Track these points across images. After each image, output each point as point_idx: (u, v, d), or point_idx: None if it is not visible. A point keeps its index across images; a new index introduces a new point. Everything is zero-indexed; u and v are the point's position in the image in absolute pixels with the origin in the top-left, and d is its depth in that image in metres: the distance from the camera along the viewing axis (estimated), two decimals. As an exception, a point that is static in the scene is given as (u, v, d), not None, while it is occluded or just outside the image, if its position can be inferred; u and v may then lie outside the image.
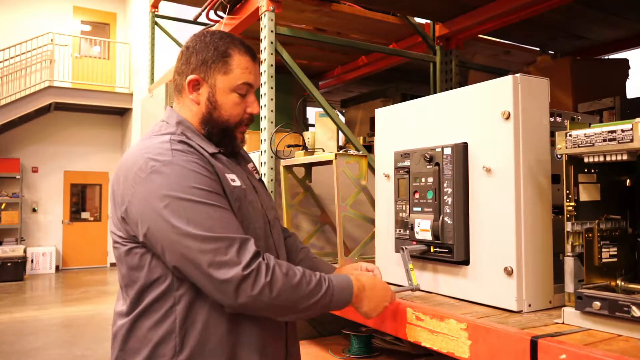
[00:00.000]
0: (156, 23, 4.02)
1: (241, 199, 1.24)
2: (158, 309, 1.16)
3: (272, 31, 2.16)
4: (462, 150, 1.34)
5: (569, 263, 1.08)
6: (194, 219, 1.09)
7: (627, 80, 2.88)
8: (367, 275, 1.31)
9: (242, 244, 1.10)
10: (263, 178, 2.14)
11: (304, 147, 2.13)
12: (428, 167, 1.41)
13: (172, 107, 1.35)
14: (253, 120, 1.35)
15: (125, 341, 1.18)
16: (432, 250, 1.40)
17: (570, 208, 1.09)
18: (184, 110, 1.30)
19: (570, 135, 1.07)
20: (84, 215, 12.25)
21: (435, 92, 2.74)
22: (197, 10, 2.81)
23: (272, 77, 2.15)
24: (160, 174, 1.12)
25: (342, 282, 1.23)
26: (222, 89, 1.27)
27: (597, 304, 1.01)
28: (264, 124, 2.16)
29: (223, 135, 1.29)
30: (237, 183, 1.26)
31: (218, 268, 1.06)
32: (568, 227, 1.09)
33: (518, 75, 1.24)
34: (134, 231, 1.15)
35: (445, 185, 1.37)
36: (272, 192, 2.15)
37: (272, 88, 2.15)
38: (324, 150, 2.53)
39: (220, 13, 2.52)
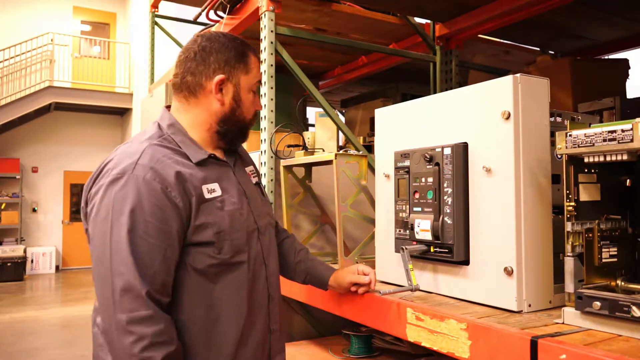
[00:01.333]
0: (156, 23, 4.01)
1: (214, 211, 1.22)
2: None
3: (272, 31, 2.16)
4: (462, 150, 1.34)
5: (569, 263, 1.08)
6: (120, 261, 1.10)
7: (627, 80, 2.88)
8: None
9: (146, 318, 1.08)
10: (263, 178, 2.13)
11: (304, 147, 2.13)
12: (428, 167, 1.41)
13: (167, 107, 1.35)
14: (257, 116, 1.40)
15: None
16: (432, 250, 1.40)
17: (570, 208, 1.09)
18: (198, 110, 1.29)
19: (570, 135, 1.07)
20: (84, 215, 12.24)
21: (435, 92, 2.74)
22: (197, 10, 2.81)
23: (272, 77, 2.15)
24: (110, 189, 1.14)
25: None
26: (244, 88, 1.31)
27: (597, 304, 1.01)
28: (264, 124, 2.16)
29: (240, 133, 1.33)
30: (216, 194, 1.24)
31: (116, 333, 1.08)
32: (568, 227, 1.09)
33: (518, 75, 1.24)
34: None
35: (445, 185, 1.37)
36: (271, 192, 2.15)
37: (272, 88, 2.15)
38: (324, 150, 2.53)
39: (220, 13, 2.52)
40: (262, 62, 2.18)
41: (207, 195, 1.22)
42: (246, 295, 1.26)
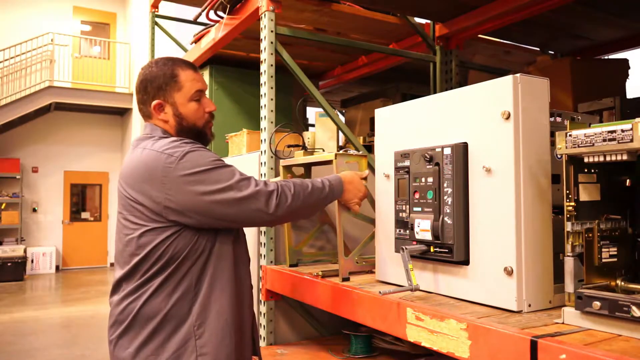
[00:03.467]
0: (156, 23, 4.01)
1: None
2: (179, 272, 1.41)
3: (272, 31, 2.16)
4: (462, 150, 1.34)
5: (569, 263, 1.08)
6: (222, 178, 1.40)
7: (627, 80, 2.88)
8: (348, 172, 1.72)
9: (257, 179, 1.45)
10: (263, 178, 2.15)
11: (304, 147, 2.13)
12: (428, 167, 1.41)
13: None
14: (214, 117, 1.63)
15: (141, 309, 1.40)
16: (432, 250, 1.40)
17: (570, 208, 1.09)
18: (161, 127, 1.55)
19: (570, 135, 1.07)
20: (84, 215, 12.25)
21: (435, 92, 2.74)
22: (197, 10, 2.81)
23: (272, 77, 2.15)
24: (186, 160, 1.39)
25: (335, 179, 1.65)
26: (181, 103, 1.54)
27: (597, 304, 1.01)
28: (264, 124, 2.16)
29: (198, 137, 1.55)
30: None
31: (251, 193, 1.41)
32: (568, 227, 1.09)
33: (518, 75, 1.24)
34: (179, 211, 1.38)
35: (445, 185, 1.37)
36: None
37: (272, 88, 2.15)
38: (324, 150, 2.53)
39: (220, 13, 2.52)
40: (262, 62, 2.18)
41: None
42: (244, 251, 1.61)
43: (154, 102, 1.53)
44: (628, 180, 1.15)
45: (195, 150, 1.43)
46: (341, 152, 1.88)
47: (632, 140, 0.97)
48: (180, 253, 1.41)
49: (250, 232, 2.21)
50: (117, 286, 1.47)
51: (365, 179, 1.75)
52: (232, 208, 1.40)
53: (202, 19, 2.79)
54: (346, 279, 1.71)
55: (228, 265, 1.49)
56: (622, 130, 0.98)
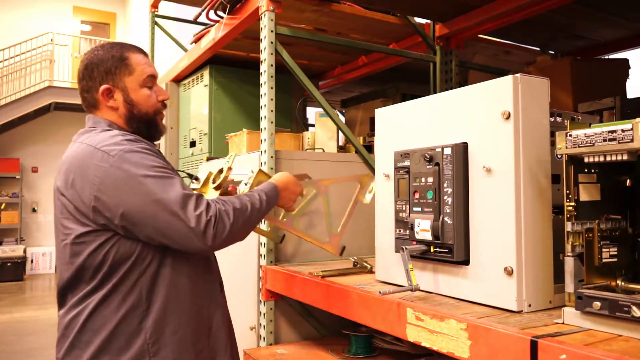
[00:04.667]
0: (156, 23, 4.01)
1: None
2: (126, 283, 1.29)
3: (272, 31, 2.15)
4: (462, 150, 1.34)
5: (569, 263, 1.08)
6: (157, 189, 1.25)
7: (627, 80, 2.88)
8: (282, 176, 1.65)
9: (198, 199, 1.29)
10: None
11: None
12: (428, 167, 1.41)
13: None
14: (166, 106, 1.54)
15: (85, 323, 1.29)
16: (432, 250, 1.40)
17: (570, 208, 1.09)
18: (106, 117, 1.44)
19: (570, 135, 1.07)
20: (84, 215, 12.24)
21: (435, 92, 2.74)
22: (197, 10, 2.81)
23: (272, 77, 2.15)
24: (124, 160, 1.27)
25: (270, 190, 1.55)
26: (132, 88, 1.43)
27: (597, 304, 1.01)
28: (264, 124, 2.16)
29: (149, 126, 1.46)
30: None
31: (188, 215, 1.25)
32: (568, 227, 1.09)
33: (518, 75, 1.24)
34: (108, 217, 1.26)
35: (445, 185, 1.37)
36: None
37: (272, 88, 2.15)
38: (324, 150, 2.53)
39: (220, 13, 2.52)
40: (262, 62, 2.18)
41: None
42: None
43: (102, 87, 1.40)
44: (628, 180, 1.15)
45: (137, 151, 1.29)
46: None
47: (632, 140, 0.97)
48: (123, 261, 1.29)
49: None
50: (61, 297, 1.36)
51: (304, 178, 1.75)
52: (162, 225, 1.25)
53: (202, 19, 2.79)
54: (343, 251, 1.81)
55: (187, 274, 1.37)
56: (623, 130, 0.98)
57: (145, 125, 1.45)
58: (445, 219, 1.36)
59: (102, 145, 1.30)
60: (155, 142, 1.52)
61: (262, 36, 2.18)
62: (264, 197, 1.48)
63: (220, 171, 1.74)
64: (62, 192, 1.32)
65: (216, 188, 1.72)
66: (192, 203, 1.26)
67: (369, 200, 1.77)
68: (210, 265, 1.50)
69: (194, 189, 1.74)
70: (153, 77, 1.47)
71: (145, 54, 1.50)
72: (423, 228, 1.41)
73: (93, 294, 1.29)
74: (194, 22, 3.23)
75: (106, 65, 1.41)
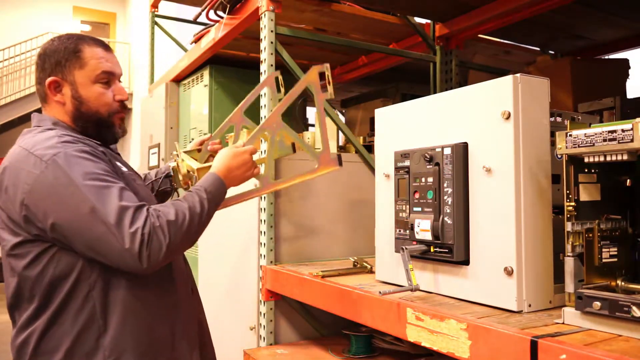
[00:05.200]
0: (156, 23, 4.01)
1: (131, 183, 1.32)
2: (75, 299, 1.20)
3: (272, 31, 2.15)
4: (462, 150, 1.34)
5: (569, 263, 1.08)
6: (89, 199, 1.13)
7: (627, 80, 2.88)
8: (219, 156, 1.43)
9: (136, 212, 1.15)
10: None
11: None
12: (428, 167, 1.41)
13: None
14: (125, 107, 1.42)
15: (38, 345, 1.19)
16: (432, 250, 1.40)
17: (571, 208, 1.09)
18: (53, 112, 1.34)
19: (570, 135, 1.07)
20: (84, 215, 12.23)
21: (435, 92, 2.74)
22: (197, 10, 2.81)
23: (272, 77, 2.15)
24: (56, 166, 1.15)
25: (211, 183, 1.35)
26: (82, 83, 1.31)
27: (597, 304, 1.01)
28: (264, 124, 2.16)
29: (99, 127, 1.34)
30: (125, 170, 1.36)
31: (123, 239, 1.12)
32: (568, 227, 1.09)
33: (518, 75, 1.24)
34: (40, 227, 1.17)
35: (445, 185, 1.37)
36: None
37: (272, 88, 2.14)
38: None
39: (220, 13, 2.52)
40: (262, 62, 2.18)
41: (123, 169, 1.34)
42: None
43: (49, 80, 1.29)
44: (628, 180, 1.15)
45: (73, 155, 1.17)
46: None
47: (632, 140, 0.97)
48: (66, 276, 1.19)
49: (249, 232, 2.21)
50: (11, 317, 1.26)
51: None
52: (94, 241, 1.13)
53: (202, 18, 2.78)
54: (340, 160, 1.45)
55: (144, 284, 1.27)
56: (623, 130, 0.98)
57: (95, 125, 1.33)
58: (445, 219, 1.36)
59: (36, 148, 1.19)
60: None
61: (262, 36, 2.18)
62: (204, 197, 1.29)
63: (178, 167, 1.67)
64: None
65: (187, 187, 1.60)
66: (129, 217, 1.12)
67: (332, 92, 1.50)
68: (172, 273, 1.38)
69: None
70: (110, 74, 1.34)
71: (106, 48, 1.38)
72: (423, 228, 1.41)
73: (40, 315, 1.20)
74: (194, 22, 3.23)
75: (57, 57, 1.30)
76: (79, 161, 1.17)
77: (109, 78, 1.35)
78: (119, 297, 1.23)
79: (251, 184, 1.57)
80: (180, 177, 1.64)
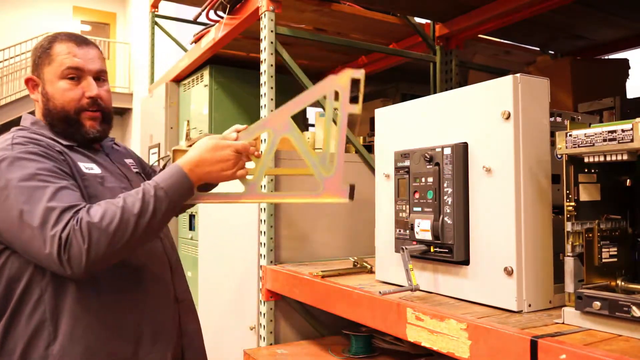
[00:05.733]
0: (156, 23, 4.01)
1: (94, 184, 1.26)
2: (27, 303, 1.17)
3: (272, 31, 2.15)
4: (462, 150, 1.34)
5: (569, 263, 1.08)
6: (25, 201, 1.09)
7: (627, 80, 2.88)
8: (196, 145, 1.27)
9: (61, 213, 1.08)
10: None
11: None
12: (428, 167, 1.41)
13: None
14: (97, 104, 1.34)
15: (2, 346, 1.18)
16: (432, 250, 1.40)
17: (570, 208, 1.09)
18: (36, 111, 1.37)
19: (570, 135, 1.07)
20: (84, 215, 12.22)
21: (435, 92, 2.74)
22: (197, 10, 2.81)
23: (272, 77, 2.15)
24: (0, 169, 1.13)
25: (170, 176, 1.20)
26: (49, 79, 1.30)
27: (597, 304, 1.01)
28: (264, 124, 2.16)
29: (66, 124, 1.31)
30: (94, 171, 1.29)
31: (45, 242, 1.07)
32: (568, 227, 1.09)
33: (518, 75, 1.24)
34: None
35: (445, 185, 1.37)
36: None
37: (272, 88, 2.15)
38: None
39: (220, 13, 2.52)
40: (262, 62, 2.18)
41: (86, 171, 1.27)
42: (140, 266, 1.31)
43: (26, 77, 1.34)
44: (628, 180, 1.15)
45: (17, 157, 1.14)
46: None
47: (632, 140, 0.97)
48: (19, 277, 1.16)
49: (249, 231, 2.21)
50: None
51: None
52: (24, 245, 1.10)
53: (202, 19, 2.79)
54: (353, 192, 1.25)
55: (100, 287, 1.20)
56: (623, 130, 0.98)
57: (61, 122, 1.30)
58: (445, 219, 1.36)
59: None
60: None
61: (262, 36, 2.18)
62: (150, 193, 1.15)
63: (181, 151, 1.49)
64: None
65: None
66: (52, 220, 1.07)
67: (360, 107, 1.25)
68: (139, 278, 1.30)
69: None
70: (77, 70, 1.30)
71: (81, 43, 1.33)
72: (423, 228, 1.41)
73: (2, 316, 1.18)
74: (194, 22, 3.23)
75: (34, 56, 1.33)
76: (21, 163, 1.14)
77: (77, 74, 1.31)
78: (67, 304, 1.18)
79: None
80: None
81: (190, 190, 1.24)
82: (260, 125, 1.33)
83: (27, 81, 1.33)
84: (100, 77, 1.36)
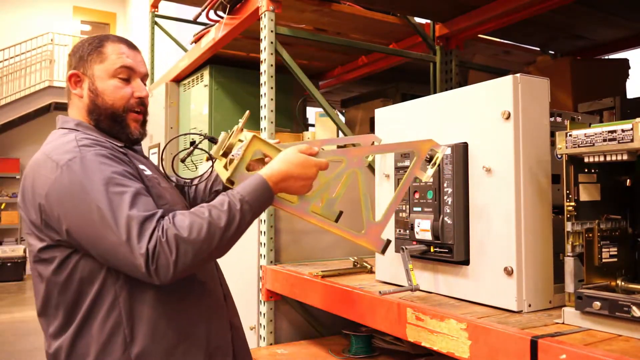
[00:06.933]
0: (156, 23, 4.01)
1: (155, 185, 1.27)
2: (100, 307, 1.15)
3: (272, 31, 2.15)
4: (462, 150, 1.34)
5: (569, 263, 1.08)
6: (107, 207, 1.08)
7: (627, 80, 2.88)
8: (283, 157, 1.24)
9: (145, 221, 1.07)
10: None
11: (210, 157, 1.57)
12: (428, 167, 1.41)
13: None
14: (145, 106, 1.36)
15: (70, 354, 1.15)
16: (432, 250, 1.40)
17: (570, 208, 1.09)
18: (74, 111, 1.34)
19: (570, 135, 1.07)
20: (84, 215, 12.22)
21: (435, 92, 2.74)
22: (197, 10, 2.81)
23: (272, 77, 2.15)
24: (71, 171, 1.12)
25: (255, 189, 1.18)
26: (100, 76, 1.30)
27: (597, 304, 1.01)
28: (264, 124, 2.16)
29: (112, 122, 1.31)
30: (147, 172, 1.29)
31: (132, 250, 1.05)
32: (568, 227, 1.09)
33: (518, 75, 1.24)
34: (57, 233, 1.14)
35: (445, 185, 1.37)
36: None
37: (272, 88, 2.15)
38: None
39: (220, 13, 2.52)
40: (262, 62, 2.18)
41: (146, 172, 1.28)
42: (202, 280, 1.32)
43: (70, 72, 1.32)
44: (628, 180, 1.15)
45: (90, 160, 1.13)
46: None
47: (632, 140, 0.97)
48: (92, 281, 1.15)
49: (248, 231, 2.21)
50: (41, 323, 1.23)
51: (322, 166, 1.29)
52: (105, 251, 1.10)
53: (202, 19, 2.79)
54: (387, 247, 1.30)
55: (173, 290, 1.20)
56: (622, 130, 0.98)
57: (108, 119, 1.31)
58: (445, 219, 1.36)
59: (54, 153, 1.18)
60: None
61: (262, 36, 2.18)
62: (236, 207, 1.15)
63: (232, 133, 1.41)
64: (20, 204, 1.23)
65: (223, 155, 1.39)
66: (136, 229, 1.06)
67: (431, 175, 1.30)
68: (203, 278, 1.32)
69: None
70: (129, 70, 1.33)
71: (131, 46, 1.38)
72: (423, 228, 1.41)
73: (68, 325, 1.16)
74: (194, 22, 3.23)
75: (81, 53, 1.32)
76: (94, 166, 1.13)
77: (129, 74, 1.33)
78: (146, 306, 1.17)
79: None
80: (227, 143, 1.39)
81: (269, 203, 1.23)
82: (339, 151, 1.33)
83: (71, 77, 1.32)
84: (144, 81, 1.39)
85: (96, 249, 1.11)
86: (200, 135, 1.51)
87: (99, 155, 1.15)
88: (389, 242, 1.30)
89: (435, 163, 1.29)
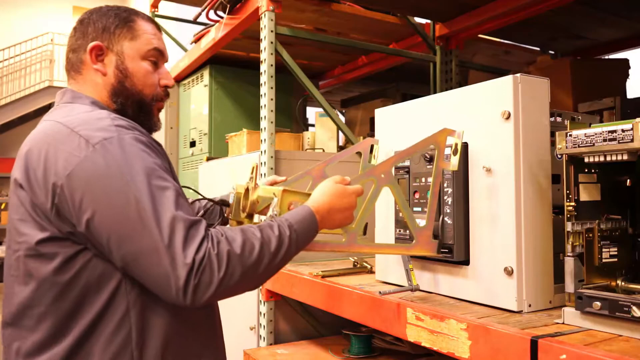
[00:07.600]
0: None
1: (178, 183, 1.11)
2: (107, 321, 0.96)
3: (272, 31, 2.15)
4: (462, 150, 1.34)
5: (569, 263, 1.08)
6: (148, 203, 0.91)
7: (627, 80, 2.88)
8: (322, 189, 1.16)
9: (192, 227, 0.92)
10: (262, 178, 2.14)
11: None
12: (428, 167, 1.41)
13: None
14: (169, 96, 1.24)
15: None
16: (432, 250, 1.40)
17: (571, 208, 1.09)
18: (86, 87, 1.13)
19: (570, 135, 1.07)
20: (84, 215, 12.23)
21: (435, 92, 2.74)
22: (197, 10, 2.81)
23: (272, 77, 2.15)
24: (107, 152, 0.93)
25: (302, 219, 1.07)
26: (131, 55, 1.14)
27: (598, 304, 1.01)
28: (263, 124, 2.16)
29: (139, 109, 1.15)
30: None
31: (173, 261, 0.89)
32: (568, 227, 1.09)
33: (518, 75, 1.24)
34: (71, 224, 0.95)
35: (445, 185, 1.36)
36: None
37: (272, 88, 2.15)
38: (324, 150, 2.53)
39: (220, 13, 2.52)
40: (262, 62, 2.18)
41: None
42: None
43: (92, 44, 1.11)
44: (628, 180, 1.15)
45: (130, 144, 0.95)
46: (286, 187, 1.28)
47: (632, 140, 0.97)
48: (100, 286, 0.96)
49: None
50: (7, 335, 0.99)
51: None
52: (134, 255, 0.91)
53: (202, 18, 2.79)
54: (440, 246, 1.28)
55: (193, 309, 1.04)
56: (623, 130, 0.98)
57: (135, 105, 1.14)
58: (445, 219, 1.36)
59: (81, 127, 0.97)
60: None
61: (262, 36, 2.18)
62: (286, 233, 1.02)
63: (247, 192, 1.32)
64: (21, 184, 0.99)
65: (248, 217, 1.31)
66: (181, 233, 0.90)
67: (457, 164, 1.25)
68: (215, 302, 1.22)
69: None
70: (160, 54, 1.19)
71: (160, 29, 1.24)
72: (423, 228, 1.41)
73: (62, 336, 0.95)
74: (194, 22, 3.23)
75: (105, 23, 1.13)
76: (135, 151, 0.95)
77: (158, 58, 1.19)
78: (160, 323, 1.00)
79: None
80: (246, 203, 1.31)
81: (312, 237, 1.13)
82: (366, 173, 1.30)
83: (93, 49, 1.11)
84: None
85: (121, 250, 0.92)
86: (212, 200, 1.39)
87: (139, 141, 0.97)
88: (440, 240, 1.28)
89: (457, 150, 1.25)
